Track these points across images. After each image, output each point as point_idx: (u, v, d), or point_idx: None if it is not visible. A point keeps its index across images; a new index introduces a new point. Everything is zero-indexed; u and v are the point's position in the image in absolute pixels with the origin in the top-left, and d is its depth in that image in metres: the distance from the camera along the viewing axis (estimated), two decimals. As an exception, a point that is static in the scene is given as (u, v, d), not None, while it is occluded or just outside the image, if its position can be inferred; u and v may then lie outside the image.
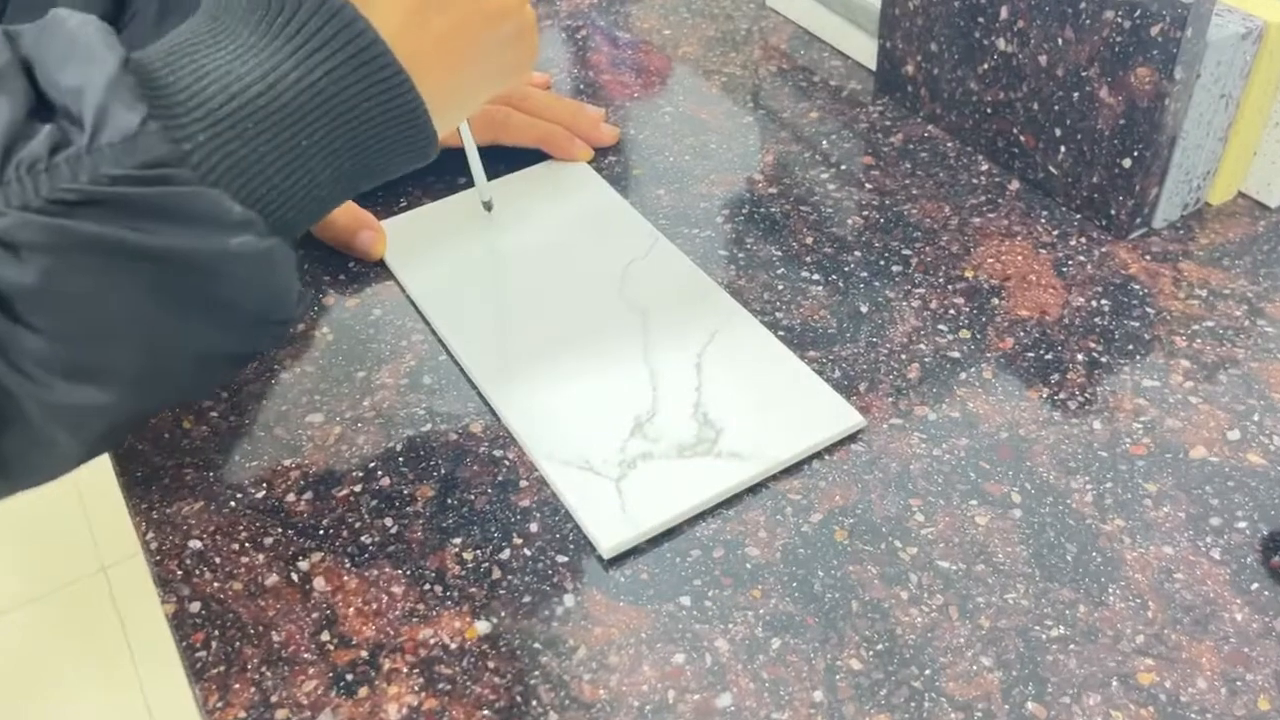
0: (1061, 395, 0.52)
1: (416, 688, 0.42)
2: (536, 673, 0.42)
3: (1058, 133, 0.61)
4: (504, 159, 0.66)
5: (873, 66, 0.73)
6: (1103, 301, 0.56)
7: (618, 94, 0.74)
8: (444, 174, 0.66)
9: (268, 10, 0.38)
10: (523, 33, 0.47)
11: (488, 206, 0.63)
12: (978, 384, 0.52)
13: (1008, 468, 0.49)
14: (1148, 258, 0.59)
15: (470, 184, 0.63)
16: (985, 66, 0.63)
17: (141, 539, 0.48)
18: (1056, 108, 0.60)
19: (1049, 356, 0.54)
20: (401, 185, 0.66)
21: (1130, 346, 0.54)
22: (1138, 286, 0.57)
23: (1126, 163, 0.57)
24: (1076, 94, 0.58)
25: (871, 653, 0.42)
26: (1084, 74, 0.57)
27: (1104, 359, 0.53)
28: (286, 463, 0.51)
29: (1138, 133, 0.56)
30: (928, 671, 0.42)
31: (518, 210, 0.64)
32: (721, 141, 0.69)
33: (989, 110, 0.64)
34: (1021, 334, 0.55)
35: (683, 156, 0.68)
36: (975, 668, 0.42)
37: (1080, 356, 0.54)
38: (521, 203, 0.64)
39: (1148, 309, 0.56)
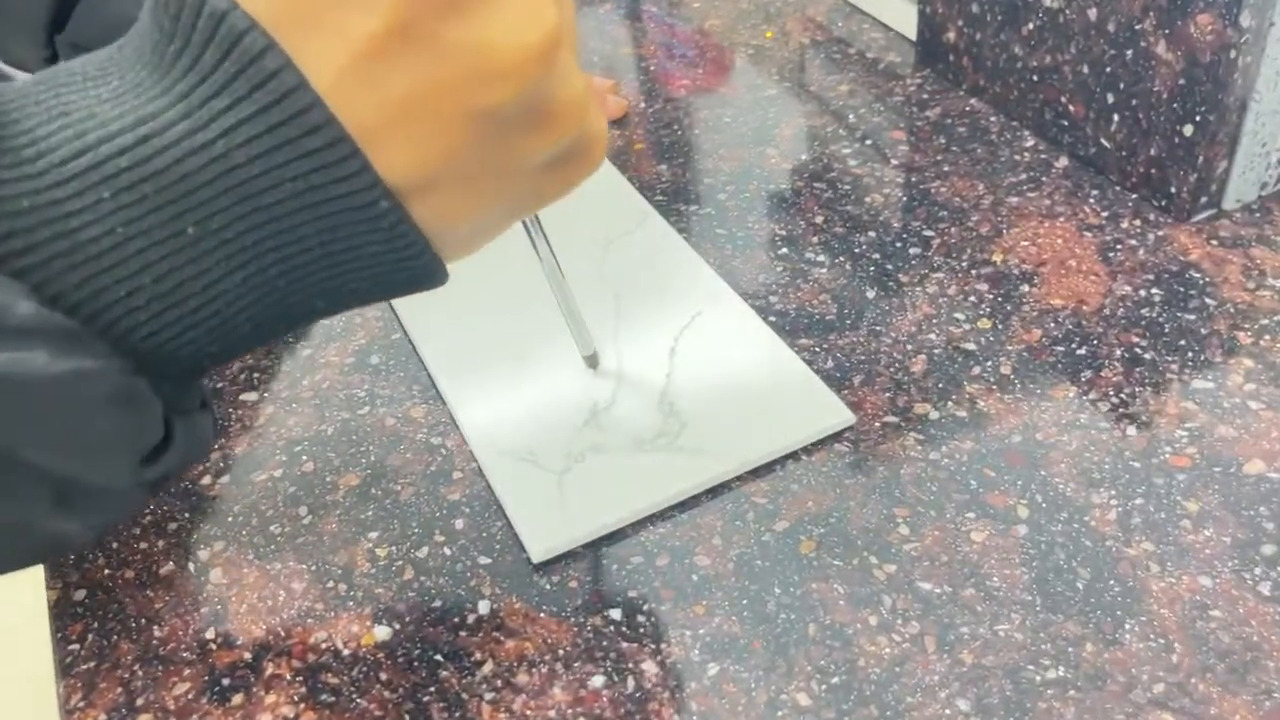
0: (1092, 395, 0.44)
1: (296, 698, 0.37)
2: (432, 689, 0.37)
3: (1110, 99, 0.53)
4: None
5: (914, 36, 0.66)
6: (1153, 291, 0.48)
7: (630, 68, 0.69)
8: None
9: (163, 34, 0.24)
10: (562, 121, 0.27)
11: (592, 362, 0.47)
12: (992, 380, 0.45)
13: (1017, 476, 0.41)
14: (1214, 243, 0.50)
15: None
16: (1030, 27, 0.56)
17: (42, 519, 0.44)
18: (1108, 69, 0.52)
19: (1081, 351, 0.46)
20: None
21: (1182, 342, 0.46)
22: (1198, 275, 0.49)
23: (1188, 130, 0.49)
24: (1130, 51, 0.51)
25: (824, 686, 0.35)
26: (1138, 27, 0.50)
27: (1148, 355, 0.45)
28: (209, 443, 0.46)
29: (1200, 94, 0.48)
30: (890, 713, 0.34)
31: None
32: (737, 115, 0.63)
33: (1035, 77, 0.57)
34: (1051, 325, 0.47)
35: (691, 130, 0.62)
36: (949, 712, 0.34)
37: (1119, 352, 0.46)
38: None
39: (1207, 300, 0.47)
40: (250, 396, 0.48)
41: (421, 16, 0.24)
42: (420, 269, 0.28)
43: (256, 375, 0.49)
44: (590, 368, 0.47)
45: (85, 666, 0.38)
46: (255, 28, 0.23)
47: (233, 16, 0.23)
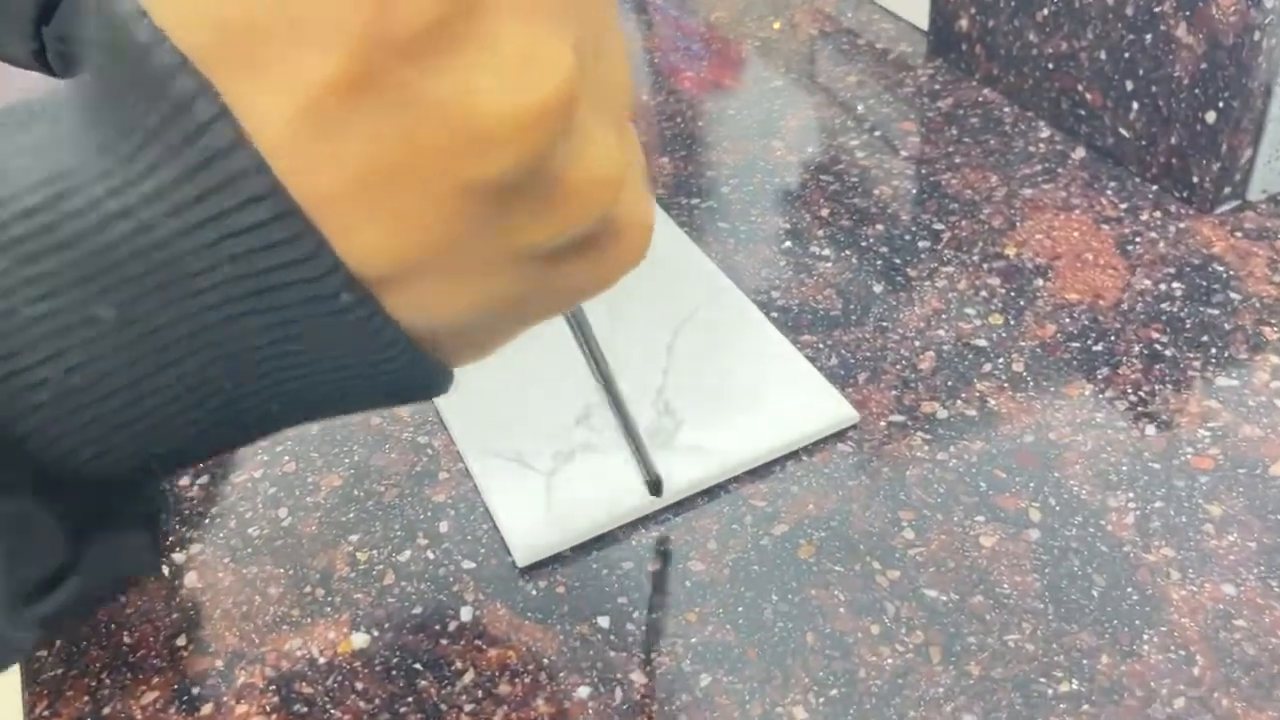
0: (1109, 393, 0.42)
1: (268, 708, 0.35)
2: (410, 699, 0.35)
3: (1129, 86, 0.50)
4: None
5: (925, 25, 0.64)
6: (1174, 285, 0.46)
7: (635, 61, 0.67)
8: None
9: (92, 70, 0.19)
10: (576, 202, 0.20)
11: (654, 489, 0.39)
12: (1004, 377, 0.43)
13: (1029, 478, 0.39)
14: (1238, 234, 0.48)
15: None
16: (1045, 12, 0.53)
17: (15, 520, 0.42)
18: (1127, 55, 0.50)
19: (1098, 347, 0.44)
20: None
21: (1204, 338, 0.43)
22: (1221, 268, 0.46)
23: (1210, 117, 0.47)
24: (1149, 35, 0.48)
25: (823, 699, 0.33)
26: (1157, 10, 0.47)
27: (1168, 352, 0.43)
28: (190, 442, 0.45)
29: (1223, 78, 0.46)
30: (891, 728, 0.32)
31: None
32: (742, 107, 0.61)
33: (1050, 65, 0.54)
34: (1067, 320, 0.45)
35: (694, 123, 0.60)
36: (954, 727, 0.32)
37: (1138, 348, 0.43)
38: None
39: (1231, 294, 0.45)
40: (234, 394, 0.47)
41: (391, 61, 0.18)
42: (409, 374, 0.22)
43: (241, 373, 0.48)
44: (652, 494, 0.39)
45: (52, 674, 0.37)
46: (185, 66, 0.18)
47: (159, 51, 0.18)
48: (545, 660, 0.35)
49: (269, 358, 0.21)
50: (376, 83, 0.18)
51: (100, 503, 0.22)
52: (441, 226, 0.20)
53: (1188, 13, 0.46)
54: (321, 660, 0.36)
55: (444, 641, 0.36)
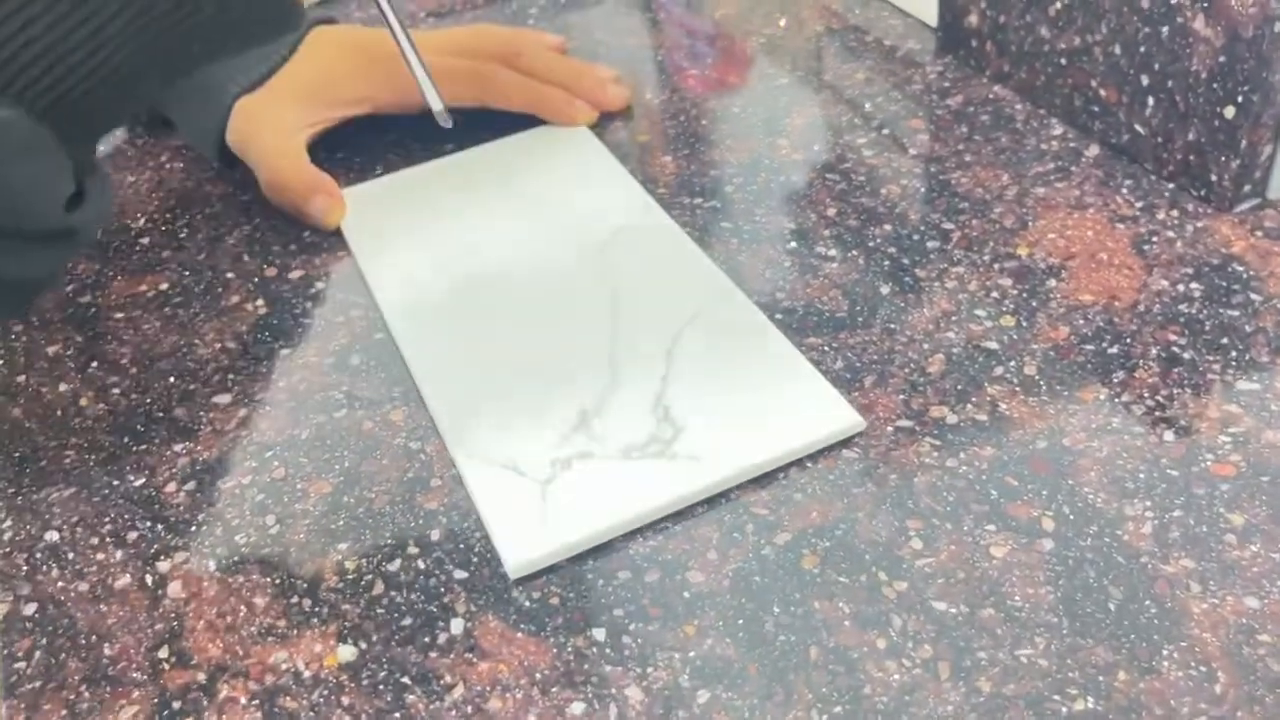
0: (1125, 398, 0.40)
1: (250, 724, 0.34)
2: (397, 714, 0.33)
3: (1144, 81, 0.49)
4: (493, 125, 0.58)
5: (934, 22, 0.62)
6: (1192, 285, 0.44)
7: (640, 60, 0.66)
8: (428, 141, 0.59)
9: None
10: None
11: (442, 119, 0.47)
12: (1016, 381, 0.41)
13: (1042, 486, 0.37)
14: (1259, 234, 0.46)
15: (453, 142, 0.55)
16: (1058, 6, 0.52)
17: (-3, 528, 0.41)
18: (1142, 49, 0.48)
19: (1113, 350, 0.42)
20: (380, 152, 0.59)
21: (1224, 340, 0.42)
22: (1240, 268, 0.45)
23: (1229, 112, 0.45)
24: (1166, 28, 0.47)
25: (826, 716, 0.32)
26: (1174, 2, 0.46)
27: (1186, 354, 0.41)
28: (177, 448, 0.43)
29: (1242, 72, 0.44)
30: (898, 748, 0.31)
31: (498, 179, 0.56)
32: (746, 106, 0.59)
33: (1063, 61, 0.53)
34: (1081, 322, 0.43)
35: (698, 121, 0.59)
36: (964, 747, 0.31)
37: (1155, 351, 0.42)
38: (503, 171, 0.56)
39: (1252, 295, 0.44)
40: (223, 399, 0.45)
41: None
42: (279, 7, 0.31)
43: (231, 377, 0.46)
44: (441, 125, 0.47)
45: (30, 686, 0.36)
46: None
47: None
48: (538, 674, 0.34)
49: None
50: None
51: (80, 151, 0.31)
52: None
53: (1205, 4, 0.44)
54: (307, 674, 0.35)
55: (433, 654, 0.35)
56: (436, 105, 0.47)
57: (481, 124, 0.58)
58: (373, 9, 0.72)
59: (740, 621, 0.35)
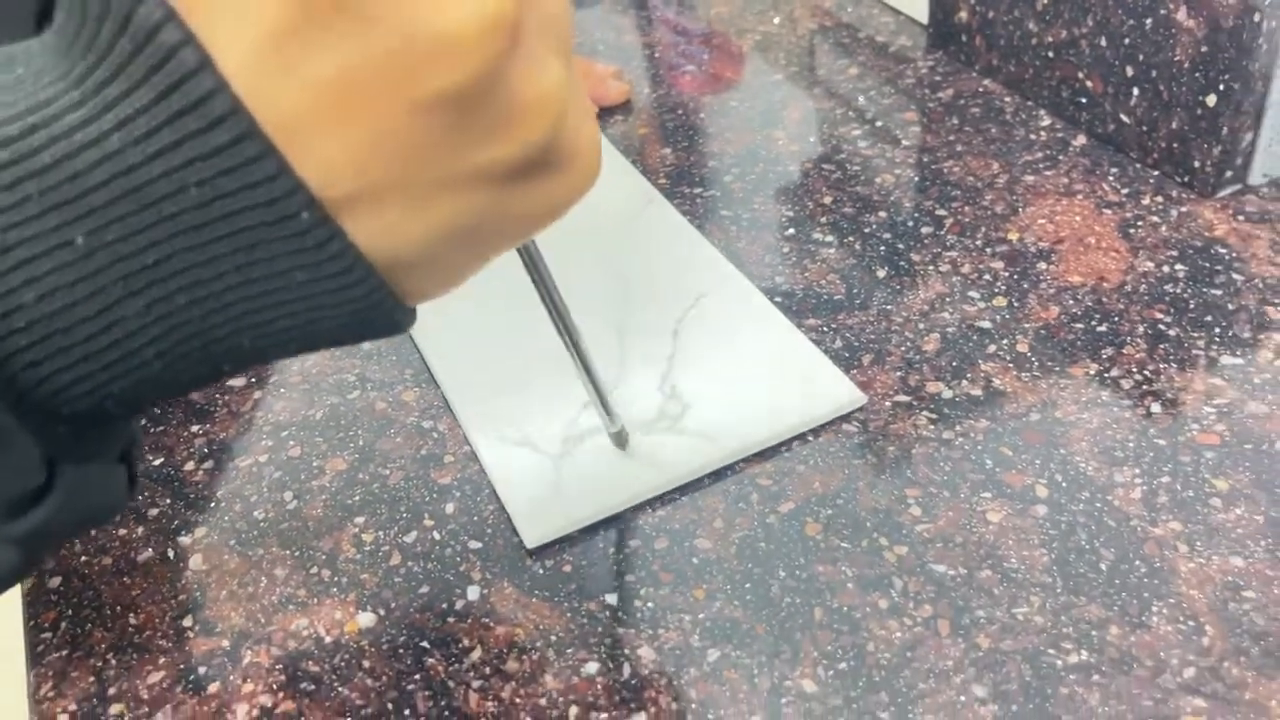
0: (1114, 372, 0.42)
1: (275, 686, 0.35)
2: (417, 676, 0.35)
3: (1129, 72, 0.51)
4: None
5: (924, 19, 0.64)
6: (1177, 267, 0.46)
7: (636, 56, 0.67)
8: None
9: (67, 9, 0.20)
10: (529, 119, 0.22)
11: (620, 441, 0.40)
12: (1009, 358, 0.43)
13: (1035, 455, 0.39)
14: (1240, 218, 0.48)
15: None
16: (1045, 1, 0.54)
17: (20, 506, 0.42)
18: (1127, 41, 0.50)
19: (1102, 328, 0.44)
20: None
21: (1208, 317, 0.43)
22: (1223, 250, 0.47)
23: (1210, 100, 0.47)
24: (1149, 20, 0.49)
25: (832, 672, 0.33)
26: (1157, -6, 0.48)
27: (1172, 331, 0.43)
28: (194, 429, 0.44)
29: (1223, 61, 0.46)
30: (901, 700, 0.32)
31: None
32: (743, 99, 0.61)
33: (1050, 54, 0.55)
34: (1070, 302, 0.45)
35: (696, 115, 0.60)
36: (965, 698, 0.32)
37: (1142, 328, 0.43)
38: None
39: (1234, 275, 0.45)
40: (237, 382, 0.46)
41: None
42: (368, 304, 0.22)
43: (245, 361, 0.48)
44: (617, 446, 0.40)
45: (57, 655, 0.37)
46: (163, 9, 0.19)
47: None
48: (553, 637, 0.35)
49: (234, 286, 0.21)
50: (334, 5, 0.19)
51: (75, 432, 0.23)
52: (399, 142, 0.20)
53: (1187, -4, 0.46)
54: (328, 639, 0.36)
55: (451, 620, 0.36)
56: (611, 427, 0.40)
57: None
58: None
59: (747, 585, 0.36)
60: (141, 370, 0.22)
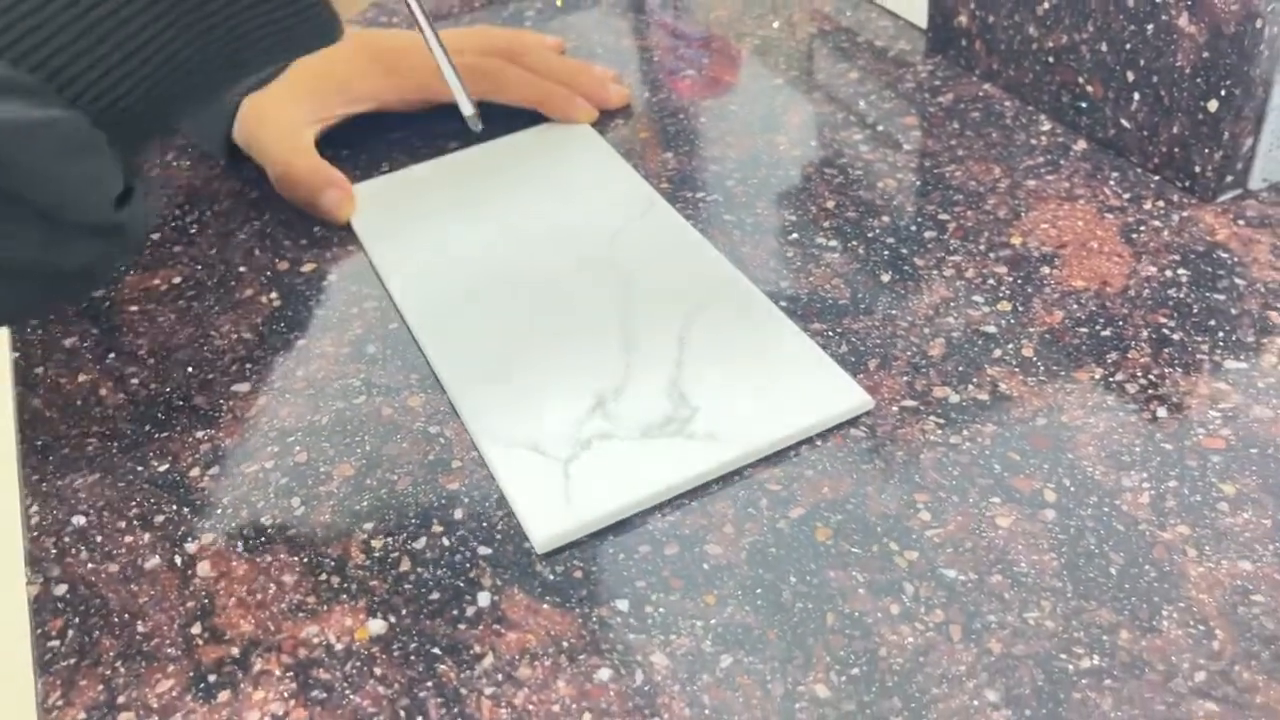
0: (1119, 377, 0.42)
1: (286, 694, 0.35)
2: (429, 683, 0.35)
3: (1130, 77, 0.51)
4: (497, 120, 0.59)
5: (923, 23, 0.64)
6: (1179, 271, 0.46)
7: (635, 60, 0.67)
8: (433, 139, 0.60)
9: None
10: None
11: (473, 123, 0.49)
12: (1014, 362, 0.43)
13: (1043, 460, 0.39)
14: (1240, 223, 0.48)
15: (457, 140, 0.57)
16: (1046, 6, 0.54)
17: (24, 512, 0.42)
18: (1128, 46, 0.50)
19: (1106, 333, 0.44)
20: (384, 150, 0.60)
21: (1212, 322, 0.44)
22: (1225, 255, 0.47)
23: (1212, 105, 0.47)
24: (1151, 26, 0.49)
25: (844, 678, 0.33)
26: (1159, 0, 0.48)
27: (1176, 336, 0.43)
28: (199, 435, 0.44)
29: (1224, 66, 0.46)
30: (914, 705, 0.32)
31: (505, 175, 0.57)
32: (744, 104, 0.61)
33: (1051, 59, 0.55)
34: (1074, 306, 0.45)
35: (697, 119, 0.60)
36: (977, 703, 0.32)
37: (1146, 333, 0.44)
38: (510, 167, 0.58)
39: (1236, 280, 0.46)
40: (242, 388, 0.46)
41: None
42: (309, 15, 0.33)
43: (249, 366, 0.47)
44: (472, 129, 0.49)
45: (65, 663, 0.36)
46: None
47: None
48: (565, 643, 0.35)
49: (221, 20, 0.31)
50: None
51: (125, 155, 0.33)
52: None
53: (1189, 2, 0.47)
54: (339, 647, 0.36)
55: (462, 626, 0.36)
56: (467, 109, 0.48)
57: (483, 122, 0.59)
58: (376, 9, 0.74)
59: (759, 591, 0.36)
60: (170, 83, 0.32)
